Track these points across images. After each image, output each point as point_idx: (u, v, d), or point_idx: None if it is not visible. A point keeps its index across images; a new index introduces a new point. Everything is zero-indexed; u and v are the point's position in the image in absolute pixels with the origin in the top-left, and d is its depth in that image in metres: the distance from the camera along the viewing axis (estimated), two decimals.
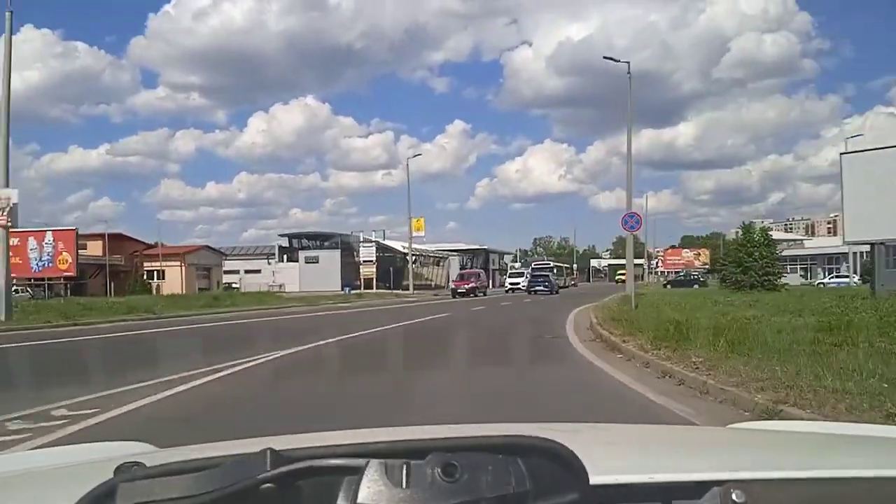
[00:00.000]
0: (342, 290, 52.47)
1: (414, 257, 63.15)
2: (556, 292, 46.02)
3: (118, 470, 0.72)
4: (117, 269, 55.20)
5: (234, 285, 55.18)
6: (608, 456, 1.14)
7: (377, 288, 55.91)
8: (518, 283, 55.33)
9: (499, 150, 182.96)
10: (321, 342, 11.65)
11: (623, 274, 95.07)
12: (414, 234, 52.21)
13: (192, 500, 0.63)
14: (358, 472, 0.65)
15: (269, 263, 71.32)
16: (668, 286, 58.69)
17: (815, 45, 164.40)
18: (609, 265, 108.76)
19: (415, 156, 62.46)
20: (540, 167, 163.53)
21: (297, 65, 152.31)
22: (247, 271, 70.12)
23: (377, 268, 60.60)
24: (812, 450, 1.27)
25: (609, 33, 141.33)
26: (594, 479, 0.69)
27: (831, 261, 72.25)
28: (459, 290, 43.20)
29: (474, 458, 0.66)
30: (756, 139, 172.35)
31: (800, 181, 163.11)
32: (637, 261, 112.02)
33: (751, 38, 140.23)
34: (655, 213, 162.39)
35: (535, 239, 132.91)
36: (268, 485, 0.64)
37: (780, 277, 33.08)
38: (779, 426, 2.07)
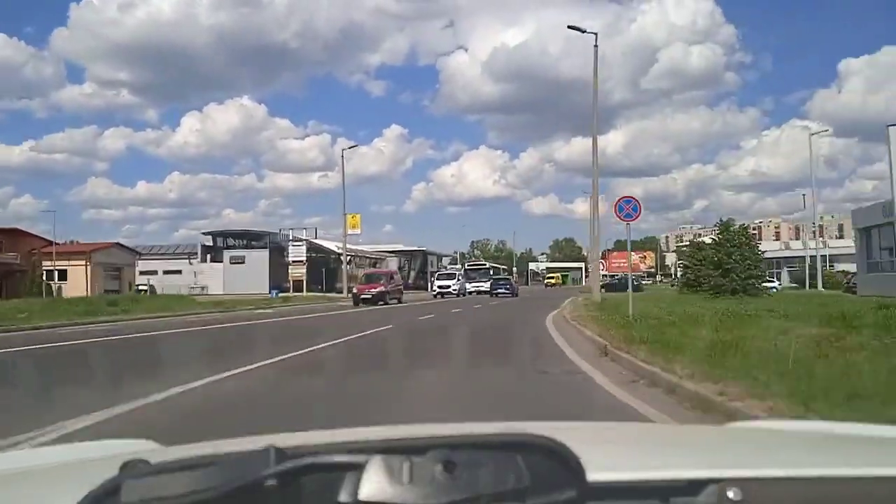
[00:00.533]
0: (270, 292, 46.50)
1: (349, 258, 57.76)
2: (517, 295, 45.37)
3: (123, 467, 0.71)
4: (11, 268, 47.63)
5: (140, 287, 48.13)
6: (606, 454, 1.10)
7: (308, 290, 50.02)
8: (449, 287, 46.70)
9: (435, 154, 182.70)
10: (169, 392, 6.37)
11: (552, 278, 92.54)
12: (349, 231, 45.96)
13: (196, 496, 0.62)
14: (360, 468, 0.64)
15: (190, 263, 64.33)
16: (604, 290, 53.25)
17: (738, 59, 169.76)
18: (547, 268, 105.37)
19: (350, 147, 56.43)
20: (475, 172, 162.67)
21: (230, 63, 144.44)
22: (166, 272, 62.94)
23: (308, 269, 54.78)
24: (809, 448, 1.22)
25: (543, 39, 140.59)
26: (591, 477, 0.68)
27: (770, 265, 70.41)
28: (363, 296, 31.87)
29: (474, 454, 0.65)
30: (681, 149, 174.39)
31: (722, 189, 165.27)
32: (574, 264, 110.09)
33: (678, 49, 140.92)
34: (588, 218, 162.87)
35: (473, 242, 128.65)
36: (271, 482, 0.63)
37: (763, 281, 29.14)
38: (776, 425, 1.84)
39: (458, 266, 74.03)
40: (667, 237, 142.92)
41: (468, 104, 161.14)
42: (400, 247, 78.12)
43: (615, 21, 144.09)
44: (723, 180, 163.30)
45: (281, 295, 47.00)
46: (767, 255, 71.56)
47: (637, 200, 14.10)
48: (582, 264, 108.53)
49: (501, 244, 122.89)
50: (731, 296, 24.83)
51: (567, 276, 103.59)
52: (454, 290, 46.52)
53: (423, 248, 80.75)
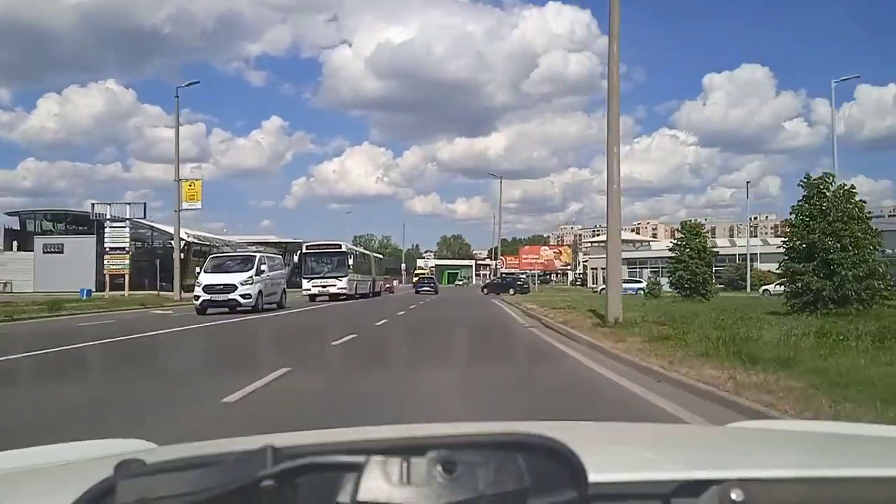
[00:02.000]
0: (81, 292, 32.07)
1: (199, 248, 43.77)
2: (437, 292, 44.62)
3: (119, 467, 0.67)
4: None
5: None
6: (607, 454, 1.08)
7: (141, 288, 35.72)
8: (233, 290, 20.03)
9: (317, 149, 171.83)
10: None
11: (422, 272, 79.10)
12: (186, 205, 30.50)
13: (192, 497, 0.59)
14: (358, 468, 0.61)
15: None
16: (486, 290, 43.67)
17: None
18: (437, 265, 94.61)
19: (189, 84, 40.59)
20: (358, 169, 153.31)
21: (95, 44, 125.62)
22: None
23: (143, 260, 40.37)
24: (811, 449, 1.18)
25: (428, 39, 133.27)
26: (593, 477, 0.65)
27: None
28: None
29: (474, 455, 0.62)
30: (558, 152, 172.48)
31: (595, 193, 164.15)
32: (464, 262, 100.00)
33: (557, 55, 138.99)
34: (468, 218, 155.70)
35: (356, 237, 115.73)
36: (269, 482, 0.59)
37: (892, 282, 15.47)
38: (778, 425, 1.82)
39: (264, 248, 42.82)
40: (548, 237, 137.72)
41: (352, 99, 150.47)
42: (273, 238, 64.03)
43: (497, 26, 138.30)
44: (597, 184, 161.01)
45: (96, 294, 32.85)
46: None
47: None
48: (472, 262, 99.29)
49: (386, 239, 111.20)
50: (840, 308, 13.88)
51: (457, 273, 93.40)
52: (247, 295, 20.16)
53: (300, 240, 66.83)
